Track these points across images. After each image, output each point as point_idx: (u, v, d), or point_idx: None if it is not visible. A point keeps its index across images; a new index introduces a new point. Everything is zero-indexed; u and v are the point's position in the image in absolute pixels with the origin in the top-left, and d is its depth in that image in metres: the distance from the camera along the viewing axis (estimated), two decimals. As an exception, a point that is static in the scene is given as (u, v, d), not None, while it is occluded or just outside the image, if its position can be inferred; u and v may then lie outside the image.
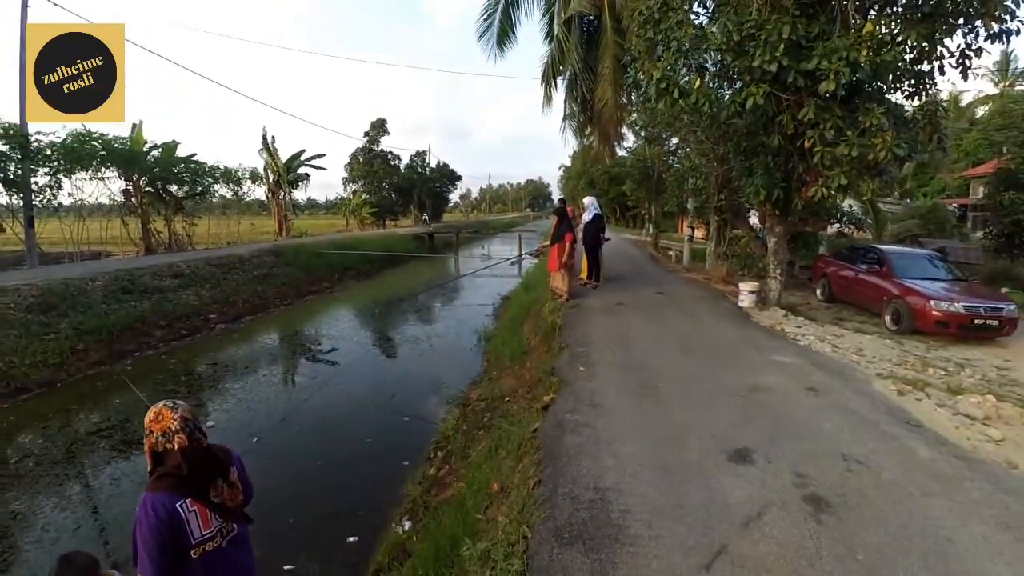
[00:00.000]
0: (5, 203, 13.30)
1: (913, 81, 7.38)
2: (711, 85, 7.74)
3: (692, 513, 2.94)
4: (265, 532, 4.39)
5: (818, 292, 11.25)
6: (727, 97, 7.72)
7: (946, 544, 2.78)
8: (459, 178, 49.15)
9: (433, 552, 3.29)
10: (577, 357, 6.18)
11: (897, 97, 7.69)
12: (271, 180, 28.18)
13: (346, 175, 41.23)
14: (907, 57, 6.88)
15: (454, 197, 61.31)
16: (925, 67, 7.12)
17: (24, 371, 7.54)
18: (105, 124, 14.42)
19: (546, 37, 17.43)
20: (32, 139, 12.84)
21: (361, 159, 40.27)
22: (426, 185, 44.40)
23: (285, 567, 4.05)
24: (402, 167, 42.99)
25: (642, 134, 18.10)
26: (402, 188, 42.21)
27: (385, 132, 41.33)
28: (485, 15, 17.19)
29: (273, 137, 28.53)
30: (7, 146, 12.35)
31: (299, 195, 33.58)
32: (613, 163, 26.52)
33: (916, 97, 7.49)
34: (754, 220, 13.90)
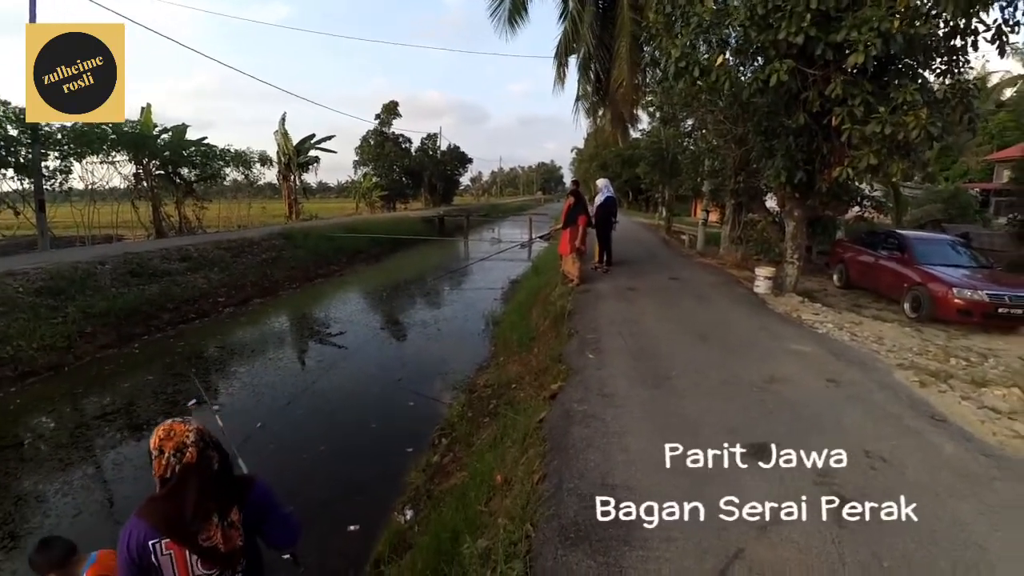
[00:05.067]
0: (18, 188, 13.34)
1: (945, 58, 7.00)
2: (732, 62, 7.41)
3: (706, 515, 2.77)
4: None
5: (835, 278, 10.92)
6: (749, 74, 7.38)
7: (977, 551, 2.59)
8: (470, 161, 48.79)
9: (434, 546, 3.17)
10: (587, 344, 6.00)
11: (927, 75, 7.31)
12: (282, 163, 28.13)
13: (357, 158, 41.09)
14: (941, 32, 6.51)
15: (465, 180, 60.93)
16: (958, 43, 6.74)
17: (32, 355, 7.52)
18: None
19: (560, 16, 16.96)
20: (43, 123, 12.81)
21: (372, 142, 39.99)
22: (437, 168, 44.10)
23: (284, 555, 3.97)
24: (413, 150, 42.71)
25: (657, 115, 17.64)
26: (413, 171, 41.94)
27: (396, 115, 40.96)
28: (496, -10, 16.76)
29: (283, 119, 28.44)
30: (17, 131, 12.34)
31: (310, 178, 33.62)
32: (627, 145, 26.02)
33: (947, 75, 7.11)
34: (771, 203, 13.53)
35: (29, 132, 12.46)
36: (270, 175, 27.90)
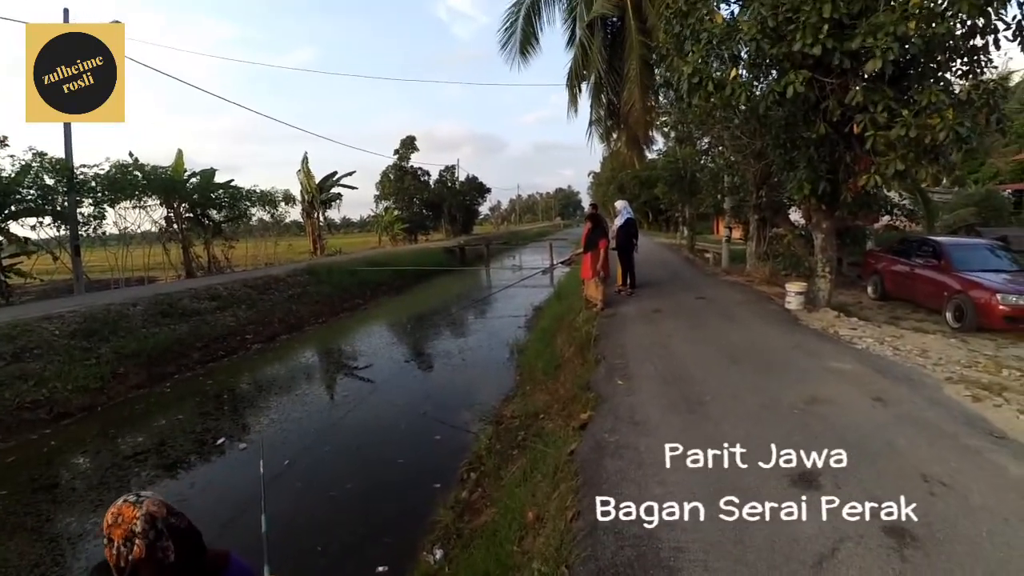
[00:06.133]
0: (55, 234, 13.87)
1: (966, 58, 6.82)
2: (745, 76, 7.34)
3: (754, 551, 2.58)
4: (292, 560, 4.24)
5: (869, 290, 10.60)
6: (764, 87, 7.29)
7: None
8: (488, 190, 49.28)
9: (464, 591, 3.03)
10: (614, 370, 5.84)
11: (949, 78, 7.12)
12: (306, 201, 28.86)
13: (377, 192, 41.95)
14: (958, 33, 6.36)
15: (484, 209, 61.46)
16: (979, 42, 6.56)
17: (66, 396, 7.67)
18: (149, 154, 14.98)
19: (568, 42, 17.24)
20: (77, 172, 13.38)
21: (392, 176, 40.88)
22: (456, 199, 44.71)
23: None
24: (432, 183, 43.47)
25: (671, 135, 17.60)
26: (432, 203, 42.64)
27: (414, 149, 41.93)
28: (507, 24, 17.12)
29: (305, 158, 29.27)
30: (54, 180, 12.89)
31: (334, 214, 34.40)
32: (643, 166, 26.00)
33: (969, 76, 6.90)
34: (795, 216, 13.25)
35: (65, 181, 13.01)
36: (295, 213, 28.66)
